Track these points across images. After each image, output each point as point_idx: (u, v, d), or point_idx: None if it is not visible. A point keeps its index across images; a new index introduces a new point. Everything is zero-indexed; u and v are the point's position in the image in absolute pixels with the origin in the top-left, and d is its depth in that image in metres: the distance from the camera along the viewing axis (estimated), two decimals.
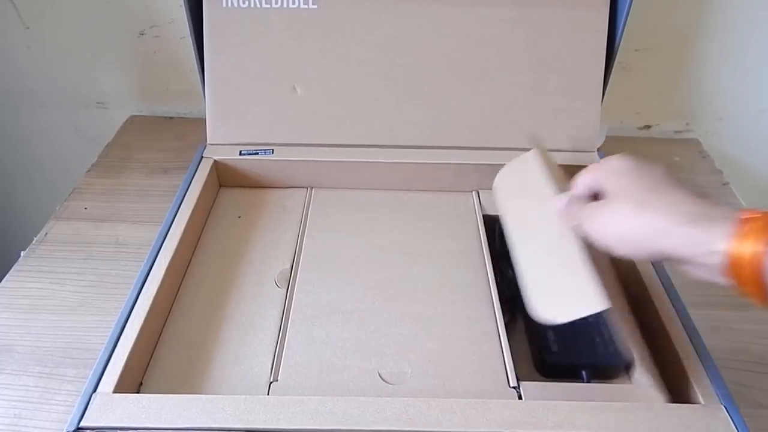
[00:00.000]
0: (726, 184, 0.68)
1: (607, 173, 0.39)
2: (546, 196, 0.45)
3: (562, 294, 0.41)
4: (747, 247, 0.31)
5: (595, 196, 0.40)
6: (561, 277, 0.41)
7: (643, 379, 0.42)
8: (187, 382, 0.42)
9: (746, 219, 0.32)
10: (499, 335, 0.46)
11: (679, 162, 0.72)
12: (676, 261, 0.35)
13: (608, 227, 0.37)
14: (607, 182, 0.38)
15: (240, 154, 0.60)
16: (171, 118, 0.80)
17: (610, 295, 0.38)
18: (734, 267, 0.31)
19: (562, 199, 0.42)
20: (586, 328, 0.45)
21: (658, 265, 0.48)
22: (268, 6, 0.58)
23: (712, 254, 0.32)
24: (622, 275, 0.51)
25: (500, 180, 0.54)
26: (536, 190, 0.48)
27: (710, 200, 0.35)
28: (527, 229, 0.47)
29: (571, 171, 0.59)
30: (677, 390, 0.41)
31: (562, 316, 0.39)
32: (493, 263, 0.52)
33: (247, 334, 0.46)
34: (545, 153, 0.52)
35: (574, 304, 0.39)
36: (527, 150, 0.59)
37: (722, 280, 0.33)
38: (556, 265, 0.42)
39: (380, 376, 0.43)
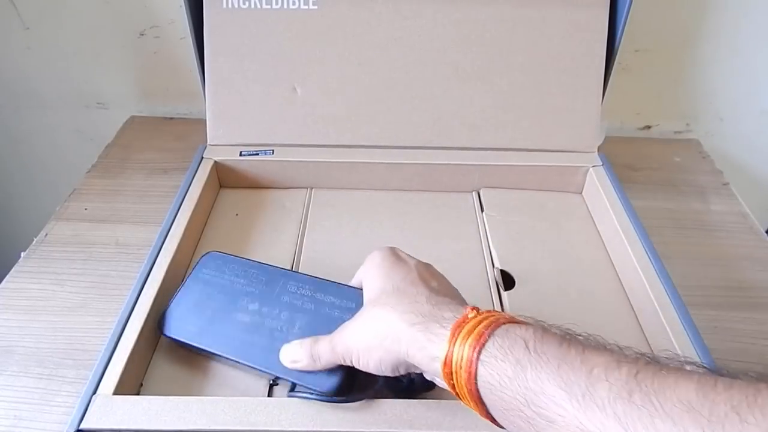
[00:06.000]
0: (726, 184, 0.68)
1: (368, 269, 0.38)
2: None
3: None
4: (460, 353, 0.27)
5: None
6: None
7: None
8: (188, 383, 0.42)
9: (463, 320, 0.28)
10: None
11: (680, 162, 0.72)
12: (416, 369, 0.32)
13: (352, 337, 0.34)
14: (367, 279, 0.38)
15: (240, 154, 0.60)
16: (171, 118, 0.80)
17: None
18: (449, 376, 0.28)
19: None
20: None
21: (658, 264, 0.48)
22: (269, 6, 0.58)
23: (434, 361, 0.28)
24: (623, 275, 0.51)
25: None
26: None
27: (451, 300, 0.32)
28: None
29: (570, 171, 0.59)
30: None
31: None
32: (492, 263, 0.52)
33: None
34: None
35: None
36: (527, 150, 0.59)
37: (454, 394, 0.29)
38: None
39: None
